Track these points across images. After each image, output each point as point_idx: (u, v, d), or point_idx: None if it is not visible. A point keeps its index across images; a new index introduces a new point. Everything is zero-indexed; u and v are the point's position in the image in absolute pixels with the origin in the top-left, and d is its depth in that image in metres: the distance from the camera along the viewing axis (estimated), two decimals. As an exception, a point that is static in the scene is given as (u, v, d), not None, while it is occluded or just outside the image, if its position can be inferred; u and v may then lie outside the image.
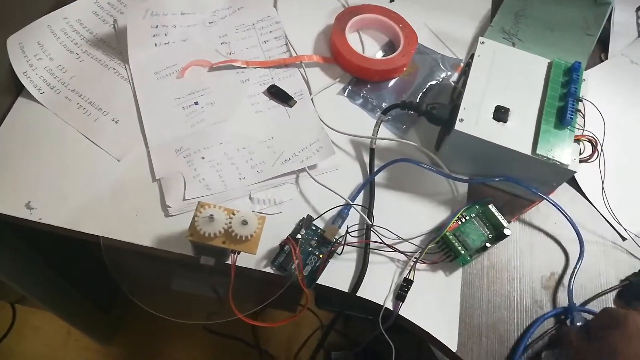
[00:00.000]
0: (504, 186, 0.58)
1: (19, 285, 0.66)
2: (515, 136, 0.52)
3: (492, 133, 0.52)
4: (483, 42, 0.58)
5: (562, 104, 0.54)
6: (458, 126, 0.52)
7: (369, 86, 0.64)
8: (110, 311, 1.03)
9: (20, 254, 0.65)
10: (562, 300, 0.53)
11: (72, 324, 0.90)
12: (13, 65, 0.55)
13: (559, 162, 0.51)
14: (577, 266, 0.54)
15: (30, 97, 0.55)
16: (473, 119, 0.52)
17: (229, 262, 0.48)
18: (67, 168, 0.53)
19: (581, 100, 0.55)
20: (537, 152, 0.51)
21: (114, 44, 0.61)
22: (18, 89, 0.56)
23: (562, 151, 0.51)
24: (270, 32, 0.66)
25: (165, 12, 0.62)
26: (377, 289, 0.51)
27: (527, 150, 0.51)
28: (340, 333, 1.13)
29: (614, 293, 0.54)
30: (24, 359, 1.07)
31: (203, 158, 0.54)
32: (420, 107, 0.56)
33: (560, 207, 0.54)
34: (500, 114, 0.53)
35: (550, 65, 0.57)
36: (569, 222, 0.54)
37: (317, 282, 0.50)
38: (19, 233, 0.61)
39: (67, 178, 0.52)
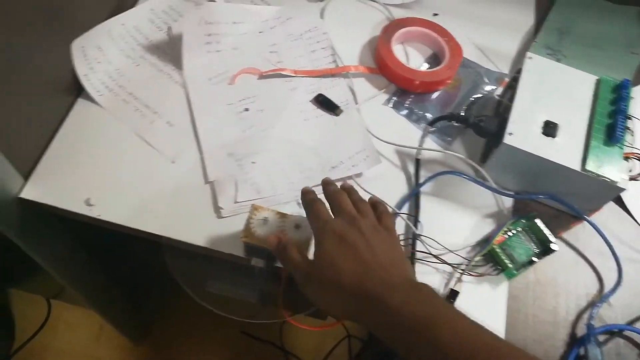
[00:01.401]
0: (549, 202, 0.58)
1: (63, 277, 0.68)
2: (565, 151, 0.52)
3: (541, 148, 0.52)
4: (531, 57, 0.59)
5: (611, 121, 0.54)
6: (507, 139, 0.52)
7: (412, 97, 0.64)
8: (143, 310, 1.05)
9: (69, 248, 0.67)
10: (610, 317, 0.52)
11: (107, 319, 0.92)
12: (75, 67, 0.57)
13: (608, 179, 0.51)
14: (612, 293, 0.53)
15: (89, 98, 0.58)
16: (522, 133, 0.53)
17: (278, 264, 0.49)
18: (123, 167, 0.55)
19: (630, 118, 0.55)
20: (586, 167, 0.51)
21: (168, 50, 0.63)
22: (78, 90, 0.58)
23: (612, 168, 0.51)
24: (317, 42, 0.67)
25: (219, 21, 0.64)
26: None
27: (577, 166, 0.51)
28: (365, 342, 1.13)
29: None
30: (57, 353, 1.09)
31: (254, 162, 0.56)
32: (468, 119, 0.57)
33: (600, 230, 0.54)
34: (549, 128, 0.53)
35: (598, 82, 0.57)
36: (608, 246, 0.54)
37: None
38: (69, 227, 0.63)
39: (123, 177, 0.54)
